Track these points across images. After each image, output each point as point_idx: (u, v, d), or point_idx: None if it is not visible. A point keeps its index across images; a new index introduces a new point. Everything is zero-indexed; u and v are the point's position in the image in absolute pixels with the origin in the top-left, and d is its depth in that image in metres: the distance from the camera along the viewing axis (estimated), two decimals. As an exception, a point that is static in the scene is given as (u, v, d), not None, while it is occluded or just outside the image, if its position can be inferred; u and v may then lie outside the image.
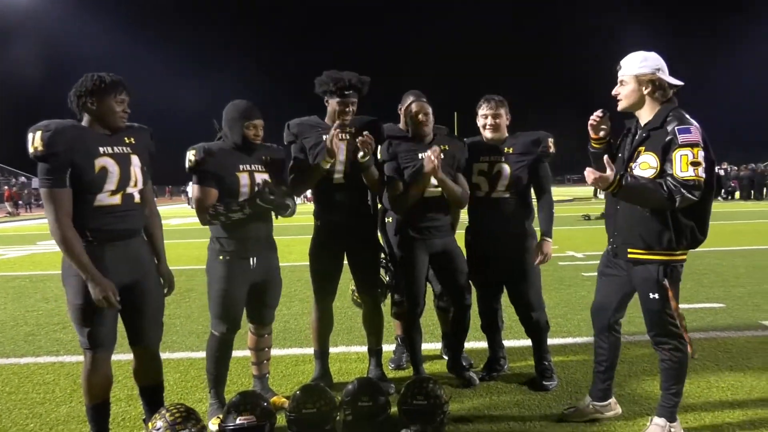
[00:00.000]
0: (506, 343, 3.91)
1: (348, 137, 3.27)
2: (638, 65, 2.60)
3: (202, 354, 3.71)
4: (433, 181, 3.25)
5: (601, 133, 2.81)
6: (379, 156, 3.39)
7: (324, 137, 3.28)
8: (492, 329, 3.69)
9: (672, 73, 2.65)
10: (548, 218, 3.46)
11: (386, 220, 3.56)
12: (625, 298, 2.89)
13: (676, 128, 2.47)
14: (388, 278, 3.47)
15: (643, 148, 2.59)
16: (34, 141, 2.38)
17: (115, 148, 2.56)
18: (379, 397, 2.87)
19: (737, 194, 27.59)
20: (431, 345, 4.30)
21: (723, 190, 26.98)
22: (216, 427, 2.86)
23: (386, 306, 3.73)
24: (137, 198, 2.67)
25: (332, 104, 3.30)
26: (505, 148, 3.43)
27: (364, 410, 2.81)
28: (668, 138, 2.48)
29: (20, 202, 31.18)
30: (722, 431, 2.85)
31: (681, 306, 5.27)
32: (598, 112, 2.78)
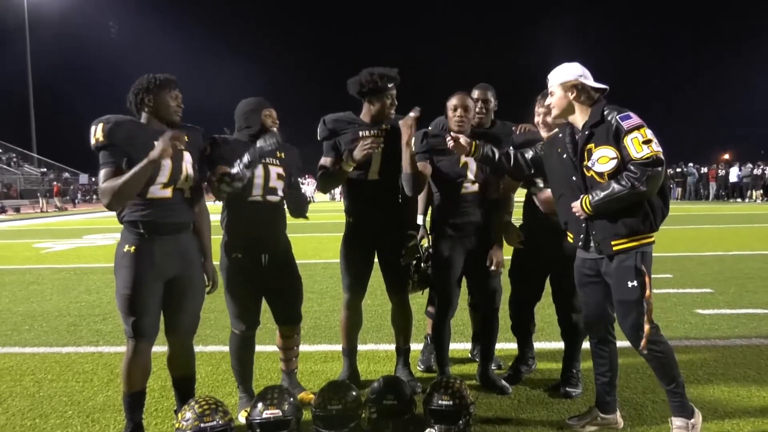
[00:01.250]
0: (536, 345, 3.85)
1: (381, 141, 3.24)
2: (562, 75, 2.77)
3: (233, 348, 3.77)
4: (471, 176, 3.27)
5: (467, 148, 3.03)
6: (413, 147, 3.38)
7: (361, 133, 3.30)
8: (522, 332, 3.62)
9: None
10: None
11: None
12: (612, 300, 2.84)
13: (617, 117, 2.59)
14: (427, 267, 3.46)
15: (593, 144, 2.67)
16: (96, 132, 2.57)
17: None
18: (404, 395, 2.87)
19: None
20: (460, 345, 4.27)
21: None
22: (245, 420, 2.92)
23: (414, 303, 3.72)
24: (187, 193, 2.79)
25: (377, 102, 3.31)
26: None
27: (388, 408, 2.81)
28: (614, 128, 2.59)
29: (67, 197, 32.33)
30: (761, 443, 2.75)
31: (723, 311, 5.17)
32: (449, 140, 3.02)
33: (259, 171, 3.01)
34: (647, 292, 2.61)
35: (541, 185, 3.31)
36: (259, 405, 2.73)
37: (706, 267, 7.52)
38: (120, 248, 2.69)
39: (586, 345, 3.53)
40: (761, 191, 26.63)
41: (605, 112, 2.65)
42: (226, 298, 3.13)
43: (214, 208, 3.06)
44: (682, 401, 2.70)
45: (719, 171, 28.45)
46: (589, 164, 2.67)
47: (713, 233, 11.82)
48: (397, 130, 3.35)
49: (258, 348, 3.34)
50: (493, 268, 3.33)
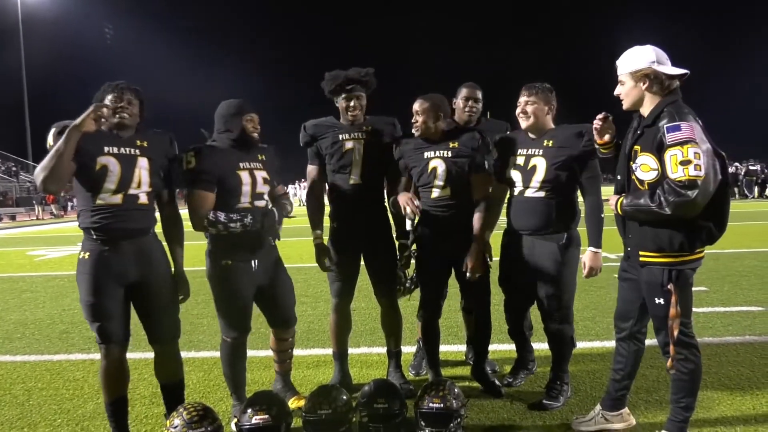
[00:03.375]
0: (536, 346, 3.80)
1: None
2: (632, 62, 2.53)
3: (225, 353, 3.75)
4: (439, 181, 3.20)
5: (606, 137, 2.77)
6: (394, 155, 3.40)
7: (341, 136, 3.29)
8: (518, 335, 3.58)
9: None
10: (595, 225, 3.06)
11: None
12: (646, 304, 2.75)
13: (665, 127, 2.38)
14: (414, 274, 3.44)
15: (639, 147, 2.50)
16: (48, 137, 2.65)
17: (122, 149, 2.70)
18: (395, 399, 2.85)
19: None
20: (454, 347, 4.25)
21: None
22: None
23: (405, 306, 3.70)
24: (143, 199, 2.75)
25: (340, 102, 3.33)
26: (545, 141, 3.11)
27: (379, 412, 2.79)
28: (659, 137, 2.40)
29: (59, 204, 32.00)
30: (754, 441, 2.73)
31: (717, 309, 5.14)
32: (600, 116, 2.73)
33: (246, 178, 2.95)
34: (672, 311, 2.49)
35: None
36: (249, 410, 2.71)
37: (701, 265, 7.49)
38: (79, 257, 2.70)
39: (579, 345, 3.50)
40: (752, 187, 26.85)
41: (661, 115, 2.43)
42: (216, 307, 3.08)
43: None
44: (682, 425, 2.61)
45: None
46: (633, 167, 2.52)
47: (708, 231, 11.81)
48: (377, 131, 3.35)
49: (249, 353, 3.30)
50: (468, 274, 3.18)
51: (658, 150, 2.40)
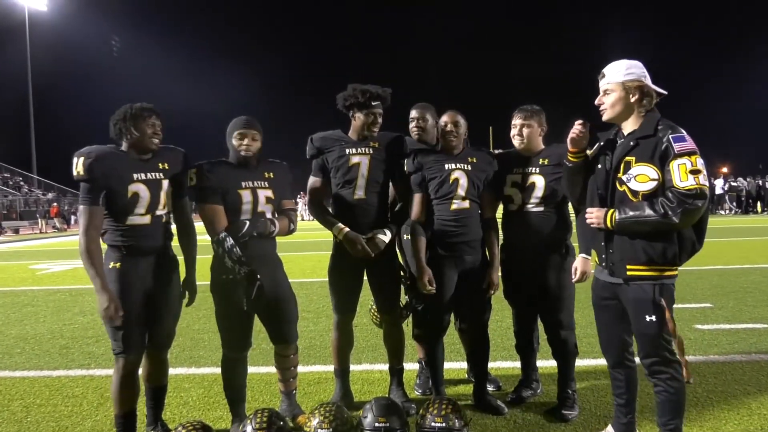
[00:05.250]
0: (540, 364, 3.76)
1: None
2: (624, 72, 2.50)
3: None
4: (461, 192, 3.26)
5: (581, 146, 2.75)
6: (405, 168, 3.39)
7: (346, 151, 3.30)
8: (526, 350, 3.56)
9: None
10: (587, 234, 3.14)
11: (404, 237, 3.50)
12: (629, 325, 2.67)
13: (671, 137, 2.37)
14: (407, 299, 3.40)
15: (633, 158, 2.46)
16: (77, 166, 2.69)
17: (149, 174, 2.82)
18: (396, 417, 2.80)
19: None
20: (456, 364, 4.21)
21: None
22: None
23: (408, 326, 3.67)
24: (165, 218, 2.91)
25: (359, 117, 3.31)
26: (540, 160, 3.28)
27: (381, 430, 2.75)
28: (664, 146, 2.37)
29: (62, 217, 32.05)
30: (762, 462, 2.68)
31: (722, 326, 5.10)
32: (580, 125, 2.69)
33: (247, 196, 3.00)
34: (670, 325, 2.45)
35: None
36: (248, 429, 2.68)
37: (706, 281, 7.46)
38: (108, 266, 2.80)
39: (583, 362, 3.48)
40: (735, 203, 26.85)
41: (659, 127, 2.42)
42: (217, 320, 3.11)
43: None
44: None
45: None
46: (624, 178, 2.47)
47: (713, 246, 11.77)
48: (384, 147, 3.34)
49: (251, 369, 3.28)
50: (492, 291, 3.32)
51: (662, 160, 2.38)
